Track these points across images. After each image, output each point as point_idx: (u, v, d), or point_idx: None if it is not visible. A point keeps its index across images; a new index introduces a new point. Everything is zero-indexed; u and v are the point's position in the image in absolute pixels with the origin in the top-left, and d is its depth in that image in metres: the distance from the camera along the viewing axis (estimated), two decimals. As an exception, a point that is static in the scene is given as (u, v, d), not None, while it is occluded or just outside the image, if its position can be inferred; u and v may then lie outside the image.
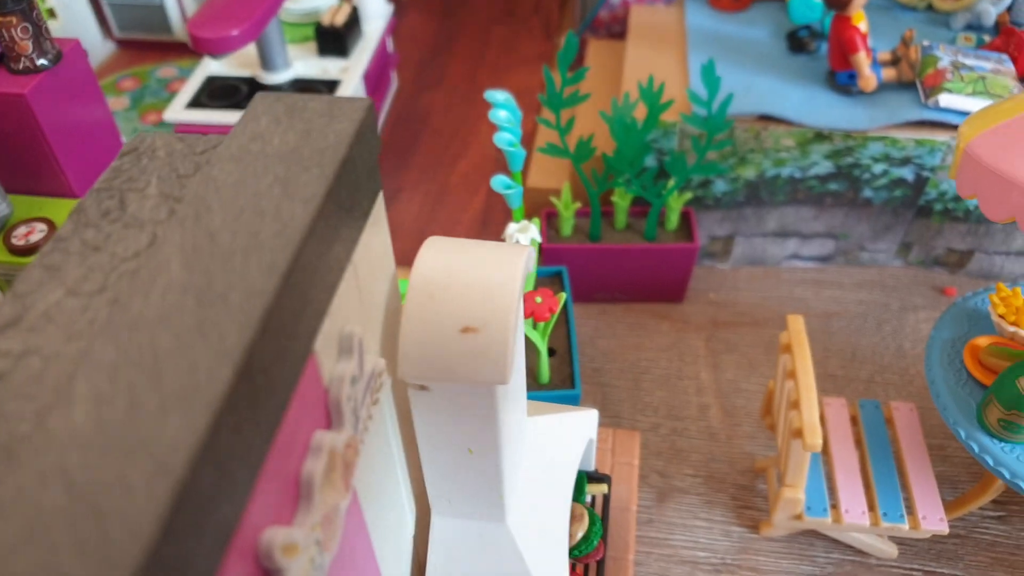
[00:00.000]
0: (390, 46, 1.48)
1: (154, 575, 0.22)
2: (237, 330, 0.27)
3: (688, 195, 1.07)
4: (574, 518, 0.70)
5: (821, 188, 1.10)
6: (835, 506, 0.82)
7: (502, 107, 0.83)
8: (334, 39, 1.28)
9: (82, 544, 0.22)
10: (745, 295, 1.18)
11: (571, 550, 0.69)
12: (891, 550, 0.87)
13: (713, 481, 0.95)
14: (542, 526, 0.62)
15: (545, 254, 1.09)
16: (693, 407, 1.03)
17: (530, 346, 0.93)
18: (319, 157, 0.35)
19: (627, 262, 1.10)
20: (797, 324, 0.80)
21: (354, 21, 1.30)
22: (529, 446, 0.65)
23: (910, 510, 0.81)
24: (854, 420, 0.91)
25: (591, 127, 1.18)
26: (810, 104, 1.06)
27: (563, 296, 0.82)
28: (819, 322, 1.14)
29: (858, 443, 0.88)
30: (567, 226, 1.10)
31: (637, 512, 0.91)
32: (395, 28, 1.71)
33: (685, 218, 1.12)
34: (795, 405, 0.74)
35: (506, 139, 0.82)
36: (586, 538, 0.68)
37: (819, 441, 0.71)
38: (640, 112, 1.05)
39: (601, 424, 0.99)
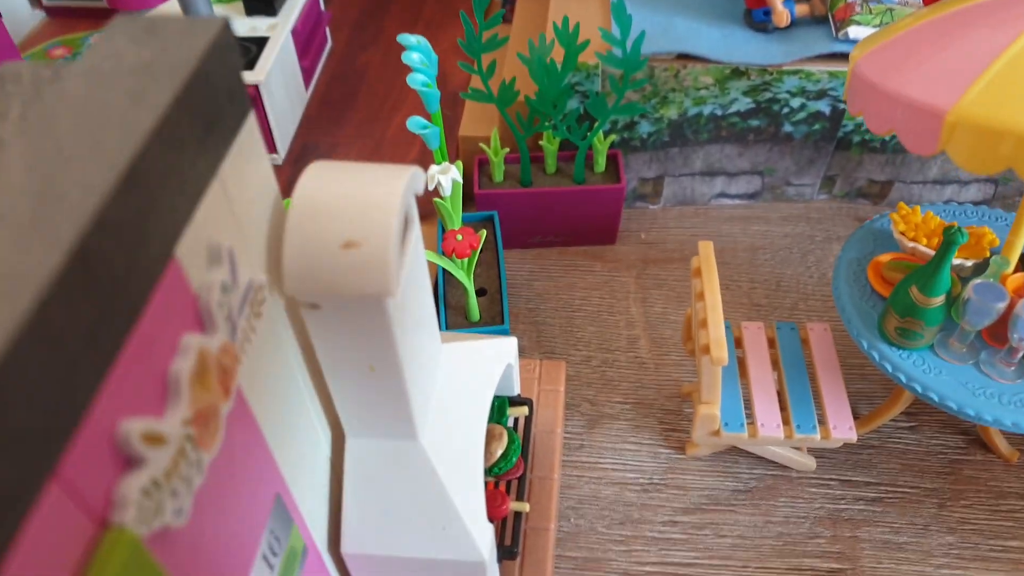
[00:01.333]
0: (322, 4, 1.47)
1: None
2: (71, 223, 0.29)
3: (613, 137, 1.10)
4: (493, 437, 0.73)
5: (743, 125, 1.13)
6: (751, 422, 0.86)
7: (415, 49, 0.85)
8: (260, -4, 1.28)
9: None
10: (675, 233, 1.22)
11: (491, 468, 0.72)
12: (810, 462, 0.92)
13: (642, 407, 0.99)
14: (457, 445, 0.65)
15: (478, 200, 1.11)
16: (623, 339, 1.06)
17: (461, 286, 0.96)
18: (170, 70, 0.36)
19: (557, 205, 1.12)
20: (707, 249, 0.83)
21: (281, -22, 1.30)
22: (444, 369, 0.68)
23: (822, 421, 0.85)
24: (771, 343, 0.94)
25: (516, 74, 1.19)
26: (727, 42, 1.08)
27: (483, 233, 0.84)
28: (746, 255, 1.18)
29: (775, 364, 0.92)
30: (498, 172, 1.12)
31: (568, 439, 0.95)
32: (330, -14, 1.70)
33: (613, 160, 1.14)
34: (704, 324, 0.78)
35: (419, 80, 0.83)
36: (505, 456, 0.72)
37: (724, 355, 0.74)
38: (559, 54, 1.07)
39: (535, 358, 1.02)
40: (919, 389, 0.77)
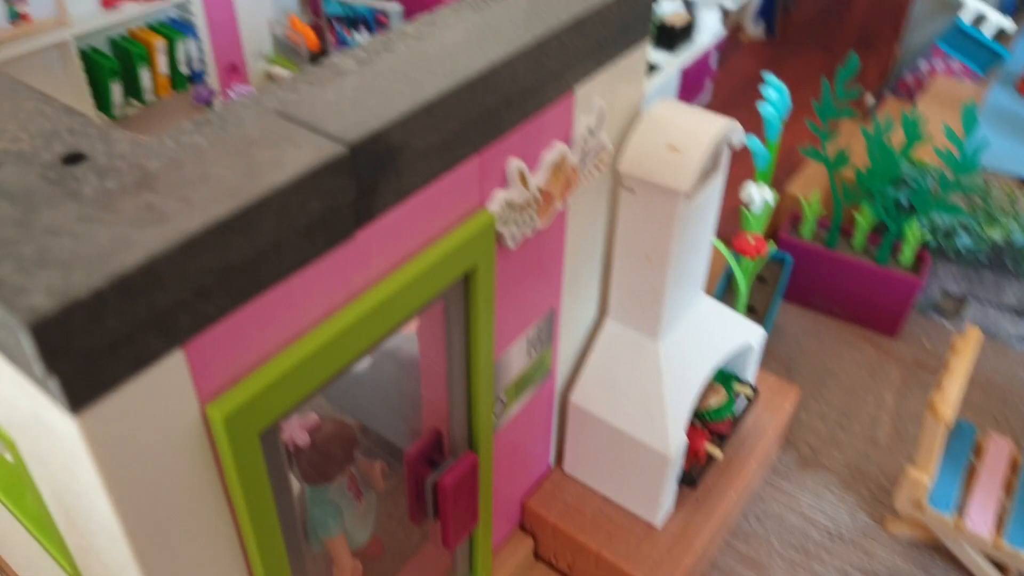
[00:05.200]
0: (713, 62, 1.70)
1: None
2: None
3: (926, 234, 1.15)
4: (713, 391, 0.85)
5: (1073, 269, 1.11)
6: (961, 510, 0.86)
7: (775, 88, 1.01)
8: (668, 36, 1.53)
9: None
10: (961, 352, 1.21)
11: (703, 413, 0.84)
12: (1012, 589, 0.89)
13: (859, 473, 1.02)
14: (682, 365, 0.79)
15: (780, 244, 1.23)
16: (866, 416, 1.10)
17: (733, 300, 1.08)
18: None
19: (851, 275, 1.20)
20: (974, 334, 0.87)
21: (688, 28, 1.55)
22: (696, 311, 0.82)
23: (1041, 544, 0.83)
24: (1014, 467, 0.93)
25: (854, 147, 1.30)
26: (1083, 183, 1.09)
27: (772, 243, 0.97)
28: (1031, 400, 1.14)
29: (1007, 488, 0.90)
30: (807, 229, 1.23)
31: (777, 466, 1.02)
32: (726, 54, 1.94)
33: (920, 260, 1.19)
34: (939, 387, 0.82)
35: (768, 110, 0.99)
36: (718, 409, 0.83)
37: (949, 411, 0.79)
38: (898, 139, 1.15)
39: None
40: None
